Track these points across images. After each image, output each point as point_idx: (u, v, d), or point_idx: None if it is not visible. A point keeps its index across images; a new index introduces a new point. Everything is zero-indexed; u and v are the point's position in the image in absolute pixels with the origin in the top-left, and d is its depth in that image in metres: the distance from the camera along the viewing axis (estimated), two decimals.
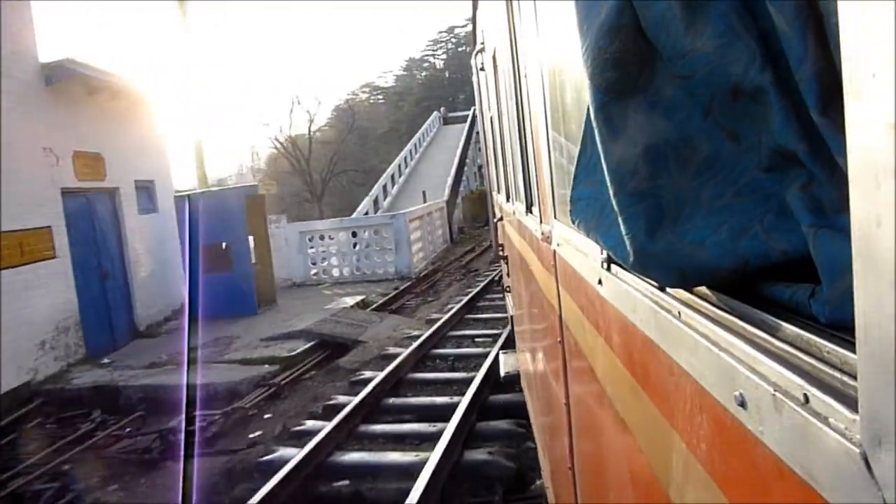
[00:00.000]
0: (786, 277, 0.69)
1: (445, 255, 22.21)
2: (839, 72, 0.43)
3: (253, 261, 13.47)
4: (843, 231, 0.56)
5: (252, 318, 12.31)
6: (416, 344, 9.28)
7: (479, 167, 43.48)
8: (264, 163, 55.46)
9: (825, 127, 0.56)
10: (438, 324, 10.62)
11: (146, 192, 13.35)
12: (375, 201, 32.60)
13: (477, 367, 8.05)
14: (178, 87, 16.35)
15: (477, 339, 10.19)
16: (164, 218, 13.26)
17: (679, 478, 0.92)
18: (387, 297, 14.20)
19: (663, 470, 1.00)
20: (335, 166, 46.88)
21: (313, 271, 17.25)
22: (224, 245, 12.69)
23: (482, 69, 6.19)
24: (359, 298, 13.79)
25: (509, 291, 6.91)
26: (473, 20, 7.56)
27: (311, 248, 17.28)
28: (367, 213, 28.66)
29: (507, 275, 6.61)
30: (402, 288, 15.37)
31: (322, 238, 17.37)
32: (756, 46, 0.65)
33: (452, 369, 8.75)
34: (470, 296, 13.32)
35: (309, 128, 48.60)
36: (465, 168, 38.92)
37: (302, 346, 9.96)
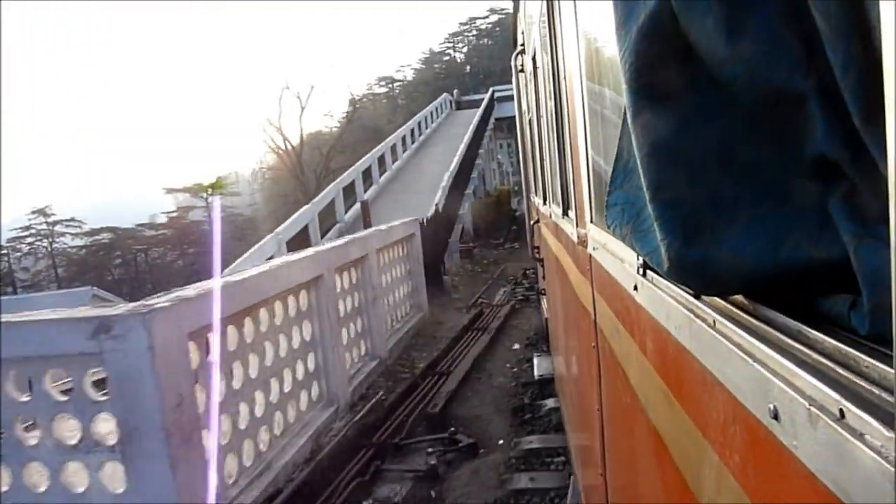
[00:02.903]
0: (825, 288, 0.67)
1: (398, 367, 8.07)
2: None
3: None
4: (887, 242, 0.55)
5: None
6: None
7: (499, 164, 37.16)
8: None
9: (869, 135, 0.55)
10: None
11: None
12: (328, 210, 19.34)
13: None
14: None
15: None
16: None
17: (711, 489, 0.91)
18: None
19: (695, 481, 0.99)
20: (331, 161, 41.06)
21: None
22: None
23: (521, 71, 6.17)
24: None
25: (545, 294, 6.87)
26: (514, 21, 7.54)
27: None
28: (294, 238, 16.08)
29: (543, 277, 6.56)
30: None
31: None
32: (800, 52, 0.63)
33: None
34: None
35: (300, 116, 43.95)
36: (480, 162, 29.80)
37: None
